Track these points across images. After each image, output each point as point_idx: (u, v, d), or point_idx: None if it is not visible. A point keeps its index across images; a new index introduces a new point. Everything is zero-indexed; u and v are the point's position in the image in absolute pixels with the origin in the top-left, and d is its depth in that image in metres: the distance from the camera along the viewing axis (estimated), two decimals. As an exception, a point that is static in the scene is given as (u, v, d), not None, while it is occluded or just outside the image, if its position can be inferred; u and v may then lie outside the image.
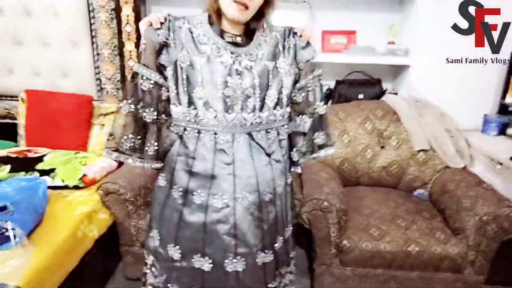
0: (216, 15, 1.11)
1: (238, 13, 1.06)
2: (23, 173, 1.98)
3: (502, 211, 1.70)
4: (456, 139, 2.15)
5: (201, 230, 1.16)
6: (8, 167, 2.01)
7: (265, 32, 1.17)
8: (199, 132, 1.13)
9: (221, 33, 1.13)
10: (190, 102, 1.11)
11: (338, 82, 2.60)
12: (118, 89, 2.42)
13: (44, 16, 2.26)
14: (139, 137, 1.15)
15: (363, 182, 2.28)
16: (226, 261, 1.17)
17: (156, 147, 1.16)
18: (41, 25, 2.28)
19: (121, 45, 2.31)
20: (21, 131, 2.40)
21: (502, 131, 2.23)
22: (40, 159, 2.07)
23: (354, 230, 1.82)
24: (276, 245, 1.25)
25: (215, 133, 1.12)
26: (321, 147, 1.27)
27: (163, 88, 1.14)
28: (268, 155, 1.18)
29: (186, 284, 1.22)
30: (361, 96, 2.54)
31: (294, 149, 1.29)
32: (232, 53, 1.11)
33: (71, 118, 2.29)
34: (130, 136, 1.14)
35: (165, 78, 1.13)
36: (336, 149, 1.37)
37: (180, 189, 1.17)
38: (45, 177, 1.93)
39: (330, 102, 2.63)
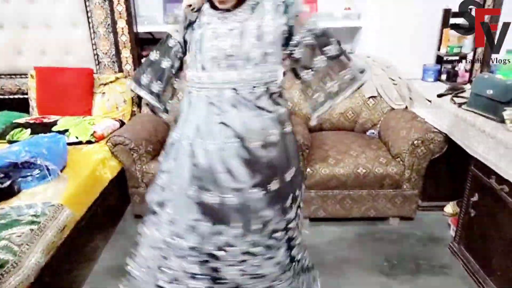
0: None
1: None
2: (42, 134, 2.39)
3: (429, 135, 2.17)
4: (399, 86, 2.60)
5: (206, 170, 1.37)
6: (28, 130, 2.42)
7: None
8: (198, 89, 1.37)
9: (215, 5, 1.31)
10: (195, 67, 1.37)
11: (303, 46, 3.01)
12: (113, 62, 2.80)
13: (46, 2, 2.61)
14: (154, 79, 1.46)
15: (326, 128, 2.74)
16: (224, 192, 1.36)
17: (160, 87, 1.47)
18: (44, 10, 2.64)
19: (113, 23, 2.67)
20: (33, 103, 2.79)
21: (438, 78, 2.68)
22: (54, 123, 2.49)
23: (316, 161, 2.28)
24: (269, 186, 1.40)
25: (208, 89, 1.36)
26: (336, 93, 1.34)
27: (181, 48, 1.44)
28: (258, 107, 1.35)
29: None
30: (323, 56, 2.96)
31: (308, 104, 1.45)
32: (219, 19, 1.31)
33: (76, 89, 2.68)
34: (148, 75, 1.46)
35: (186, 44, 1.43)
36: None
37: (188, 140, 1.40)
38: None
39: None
